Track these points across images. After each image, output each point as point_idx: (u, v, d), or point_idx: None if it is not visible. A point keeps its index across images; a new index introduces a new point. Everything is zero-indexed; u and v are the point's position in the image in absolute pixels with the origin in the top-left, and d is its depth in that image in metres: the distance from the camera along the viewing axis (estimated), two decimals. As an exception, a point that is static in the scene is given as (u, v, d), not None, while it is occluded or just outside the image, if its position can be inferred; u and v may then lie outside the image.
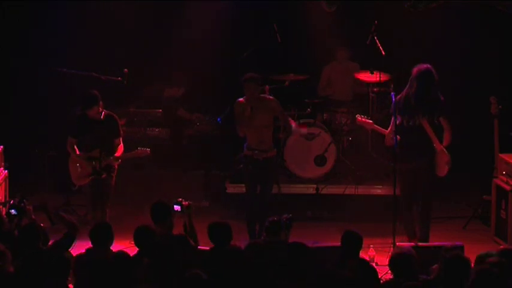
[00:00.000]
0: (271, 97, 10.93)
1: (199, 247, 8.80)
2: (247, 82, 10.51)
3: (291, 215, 9.08)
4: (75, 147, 10.51)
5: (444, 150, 10.31)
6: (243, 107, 10.56)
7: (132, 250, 8.43)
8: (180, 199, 9.11)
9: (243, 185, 11.26)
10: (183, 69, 13.25)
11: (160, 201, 8.92)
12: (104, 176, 10.44)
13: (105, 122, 10.40)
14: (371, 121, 10.89)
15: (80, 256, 8.13)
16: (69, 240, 8.40)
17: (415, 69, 10.27)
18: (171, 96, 13.11)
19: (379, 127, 10.82)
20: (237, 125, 10.67)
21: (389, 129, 10.42)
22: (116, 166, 10.59)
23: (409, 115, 10.30)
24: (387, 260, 8.27)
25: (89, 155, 10.41)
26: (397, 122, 10.25)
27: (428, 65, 10.24)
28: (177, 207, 9.00)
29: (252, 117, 10.52)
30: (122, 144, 10.57)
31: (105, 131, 10.38)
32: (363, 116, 10.87)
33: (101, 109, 10.39)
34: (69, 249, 8.46)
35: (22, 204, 8.82)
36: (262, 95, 10.80)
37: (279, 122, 12.63)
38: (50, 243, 8.38)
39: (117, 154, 10.51)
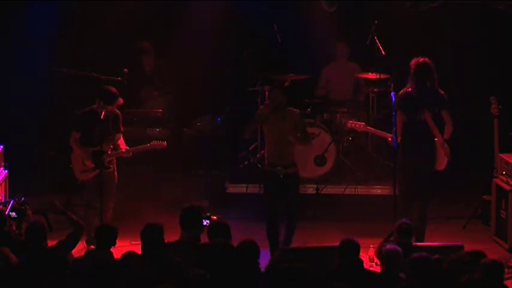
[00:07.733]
0: (296, 109, 10.21)
1: None
2: (271, 89, 10.27)
3: None
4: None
5: (444, 143, 10.40)
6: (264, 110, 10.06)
7: (135, 250, 8.42)
8: (209, 214, 8.97)
9: (244, 185, 11.23)
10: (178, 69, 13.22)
11: (191, 206, 8.40)
12: (110, 169, 10.55)
13: (109, 118, 10.47)
14: (363, 123, 10.95)
15: (80, 257, 8.12)
16: (74, 241, 8.40)
17: (412, 62, 10.36)
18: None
19: (371, 128, 10.86)
20: (249, 124, 10.20)
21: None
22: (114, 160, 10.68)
23: (413, 111, 10.39)
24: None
25: (95, 150, 10.43)
26: (399, 119, 10.30)
27: (426, 58, 10.32)
28: (206, 222, 8.77)
29: (272, 124, 9.99)
30: (122, 139, 10.70)
31: (110, 126, 10.49)
32: (353, 121, 10.98)
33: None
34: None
35: (23, 207, 8.84)
36: (288, 107, 10.09)
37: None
38: (54, 243, 8.37)
39: (123, 148, 10.64)
